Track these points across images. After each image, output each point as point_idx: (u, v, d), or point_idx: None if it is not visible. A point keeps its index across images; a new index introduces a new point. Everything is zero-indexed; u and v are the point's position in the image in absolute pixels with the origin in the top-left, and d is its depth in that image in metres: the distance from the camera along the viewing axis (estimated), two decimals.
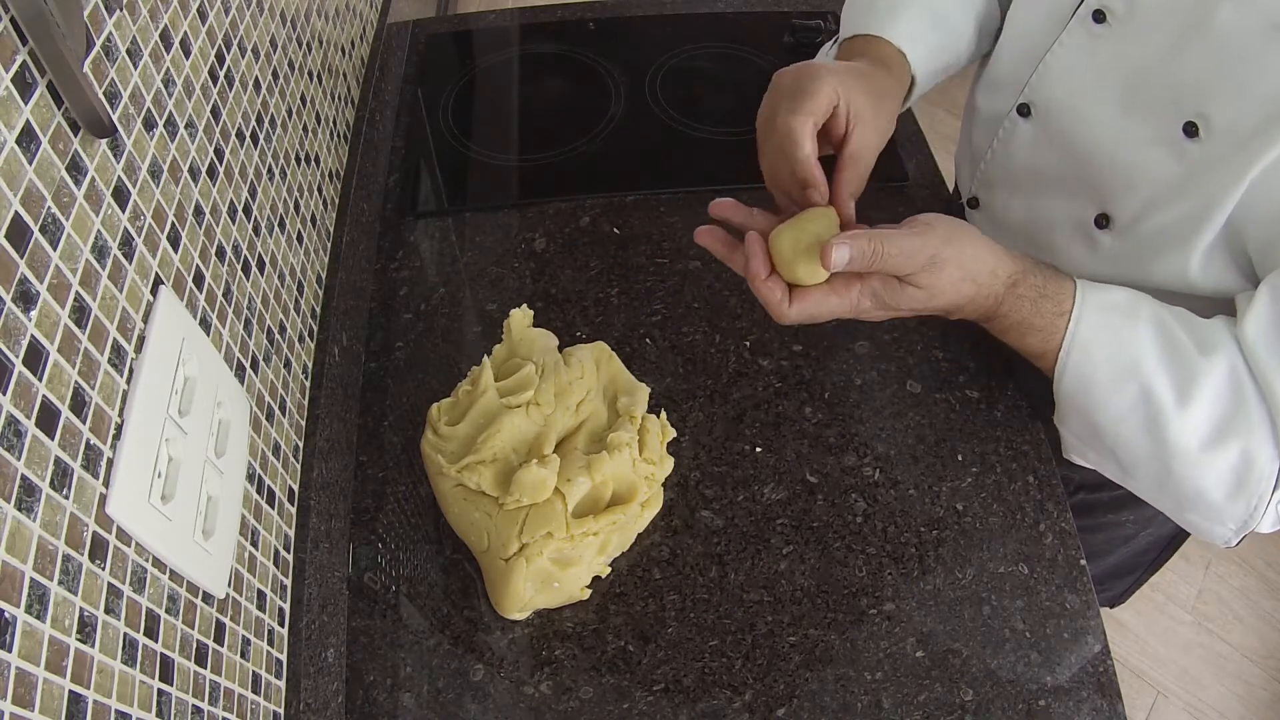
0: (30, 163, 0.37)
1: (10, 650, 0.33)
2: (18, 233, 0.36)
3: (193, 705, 0.46)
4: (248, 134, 0.63)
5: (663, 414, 0.73)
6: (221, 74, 0.59)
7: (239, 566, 0.54)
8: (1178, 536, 0.97)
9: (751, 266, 0.58)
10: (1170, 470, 0.60)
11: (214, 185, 0.56)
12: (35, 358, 0.36)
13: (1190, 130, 0.58)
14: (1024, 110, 0.71)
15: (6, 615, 0.33)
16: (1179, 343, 0.59)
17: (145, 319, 0.46)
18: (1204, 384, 0.57)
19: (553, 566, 0.64)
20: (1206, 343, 0.59)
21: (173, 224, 0.50)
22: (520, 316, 0.75)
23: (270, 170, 0.67)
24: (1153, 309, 0.61)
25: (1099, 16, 0.63)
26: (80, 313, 0.40)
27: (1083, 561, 0.70)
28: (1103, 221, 0.66)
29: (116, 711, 0.39)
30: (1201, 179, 0.58)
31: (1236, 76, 0.56)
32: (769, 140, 0.62)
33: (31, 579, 0.34)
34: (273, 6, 0.71)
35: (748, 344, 0.82)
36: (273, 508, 0.61)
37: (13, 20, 0.36)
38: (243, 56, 0.63)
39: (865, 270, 0.57)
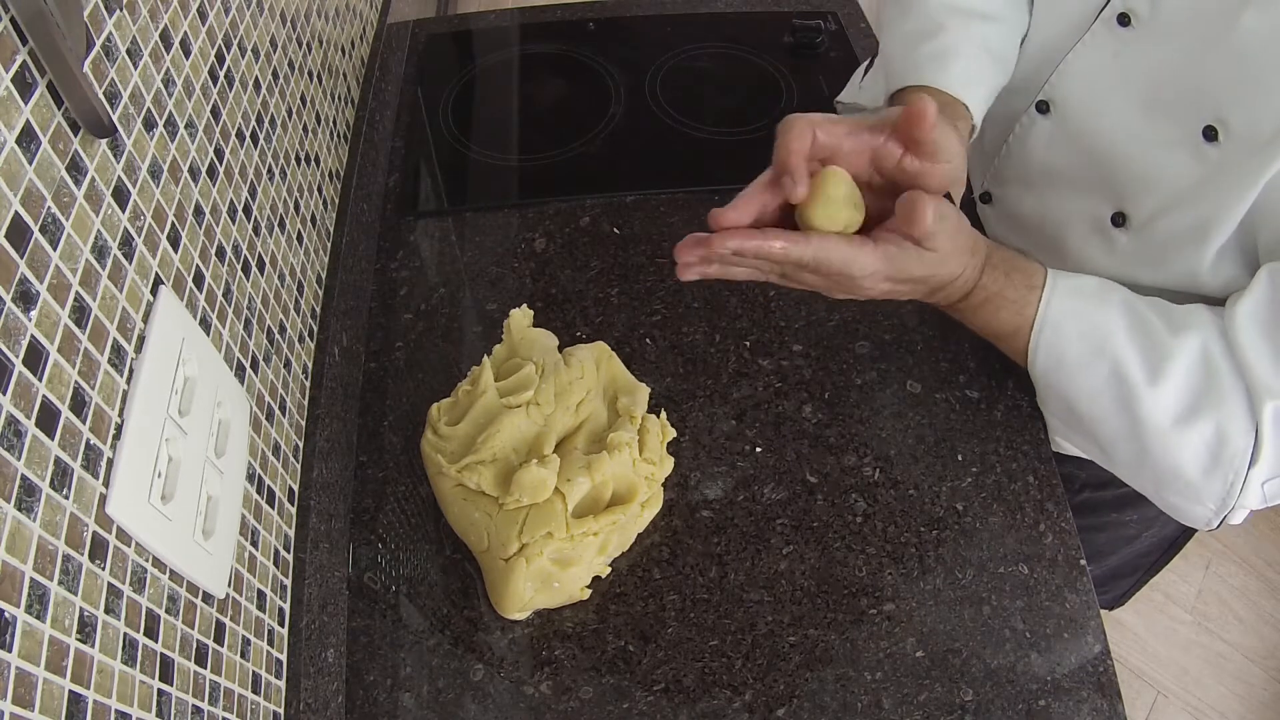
0: (30, 163, 0.37)
1: (10, 650, 0.33)
2: (18, 233, 0.36)
3: (193, 705, 0.46)
4: (248, 134, 0.63)
5: (663, 414, 0.73)
6: (221, 74, 0.59)
7: (239, 566, 0.54)
8: (1179, 539, 0.97)
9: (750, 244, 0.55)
10: (1146, 448, 0.61)
11: (214, 185, 0.56)
12: (35, 358, 0.36)
13: (1210, 134, 0.58)
14: (1042, 107, 0.71)
15: (6, 615, 0.33)
16: (1149, 323, 0.60)
17: (145, 319, 0.46)
18: (1174, 361, 0.58)
19: (553, 566, 0.64)
20: (1177, 324, 0.60)
21: (173, 224, 0.50)
22: (520, 316, 0.75)
23: (270, 170, 0.67)
24: (1123, 294, 0.62)
25: (1124, 19, 0.63)
26: (80, 313, 0.40)
27: (1083, 561, 0.70)
28: (1119, 220, 0.66)
29: (116, 711, 0.39)
30: (1218, 183, 0.59)
31: (1258, 82, 0.56)
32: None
33: (31, 579, 0.34)
34: (273, 6, 0.71)
35: (748, 344, 0.82)
36: (273, 508, 0.61)
37: (13, 20, 0.36)
38: (243, 56, 0.63)
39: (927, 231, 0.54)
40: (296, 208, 0.73)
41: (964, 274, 0.60)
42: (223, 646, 0.51)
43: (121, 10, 0.46)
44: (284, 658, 0.60)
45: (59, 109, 0.39)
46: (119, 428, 0.42)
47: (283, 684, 0.59)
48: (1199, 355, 0.58)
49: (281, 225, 0.69)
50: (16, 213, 0.36)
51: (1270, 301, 0.57)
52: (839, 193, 0.55)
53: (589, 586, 0.67)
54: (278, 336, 0.66)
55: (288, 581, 0.62)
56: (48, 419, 0.37)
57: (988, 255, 0.61)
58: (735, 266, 0.57)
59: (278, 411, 0.64)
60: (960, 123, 0.67)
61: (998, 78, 0.72)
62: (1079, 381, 0.62)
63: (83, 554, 0.38)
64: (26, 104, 0.37)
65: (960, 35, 0.70)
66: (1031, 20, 0.72)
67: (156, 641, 0.43)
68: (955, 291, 0.61)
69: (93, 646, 0.38)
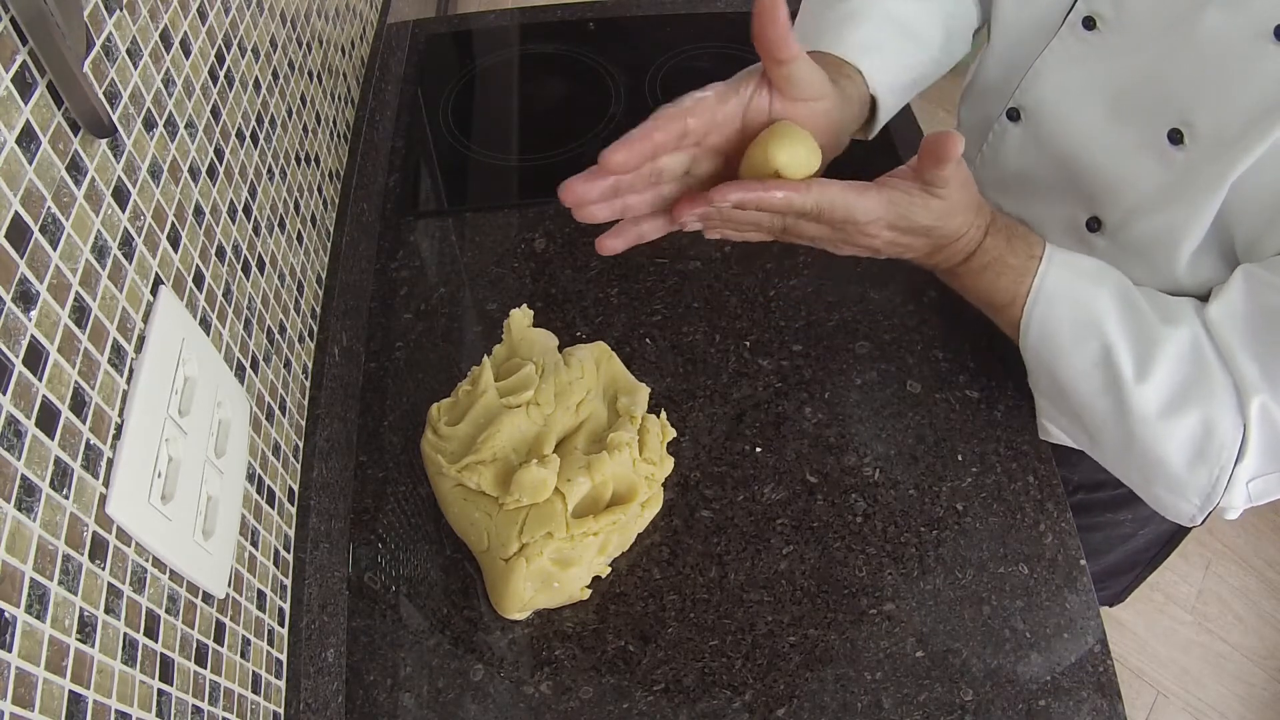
0: (30, 163, 0.37)
1: (10, 650, 0.33)
2: (18, 233, 0.36)
3: (193, 705, 0.46)
4: (248, 134, 0.63)
5: (663, 414, 0.73)
6: (221, 74, 0.59)
7: (239, 566, 0.54)
8: (1175, 535, 0.97)
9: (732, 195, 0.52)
10: (1132, 435, 0.60)
11: (214, 185, 0.56)
12: (35, 358, 0.36)
13: (1175, 137, 0.59)
14: (1013, 114, 0.71)
15: (6, 615, 0.33)
16: (1141, 311, 0.60)
17: (145, 319, 0.46)
18: (1164, 351, 0.58)
19: (553, 566, 0.64)
20: (1169, 314, 0.60)
21: (173, 224, 0.50)
22: (520, 316, 0.75)
23: (270, 170, 0.67)
24: (1118, 278, 0.62)
25: (1089, 23, 0.63)
26: (80, 313, 0.40)
27: (1083, 561, 0.70)
28: (1094, 225, 0.67)
29: (116, 711, 0.39)
30: (1185, 186, 0.59)
31: (1221, 84, 0.56)
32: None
33: (31, 579, 0.34)
34: (273, 6, 0.71)
35: (748, 344, 0.82)
36: (273, 508, 0.61)
37: (13, 20, 0.36)
38: (243, 56, 0.63)
39: (940, 168, 0.53)
40: (296, 208, 0.73)
41: (968, 233, 0.59)
42: (223, 646, 0.51)
43: (121, 10, 0.46)
44: (284, 658, 0.60)
45: (59, 109, 0.39)
46: (119, 428, 0.42)
47: (283, 684, 0.59)
48: (1189, 345, 0.58)
49: (281, 225, 0.69)
50: (16, 213, 0.36)
51: (1244, 303, 0.57)
52: (795, 137, 0.52)
53: (589, 586, 0.67)
54: (278, 336, 0.66)
55: (288, 581, 0.62)
56: (48, 419, 0.37)
57: (992, 218, 0.61)
58: (736, 225, 0.55)
59: (278, 411, 0.64)
60: (845, 81, 0.62)
61: (911, 53, 0.69)
62: (1069, 360, 0.62)
63: (83, 554, 0.38)
64: (26, 104, 0.37)
65: (867, 3, 0.67)
66: (999, 26, 0.72)
67: (156, 641, 0.43)
68: (958, 252, 0.61)
69: (93, 646, 0.38)
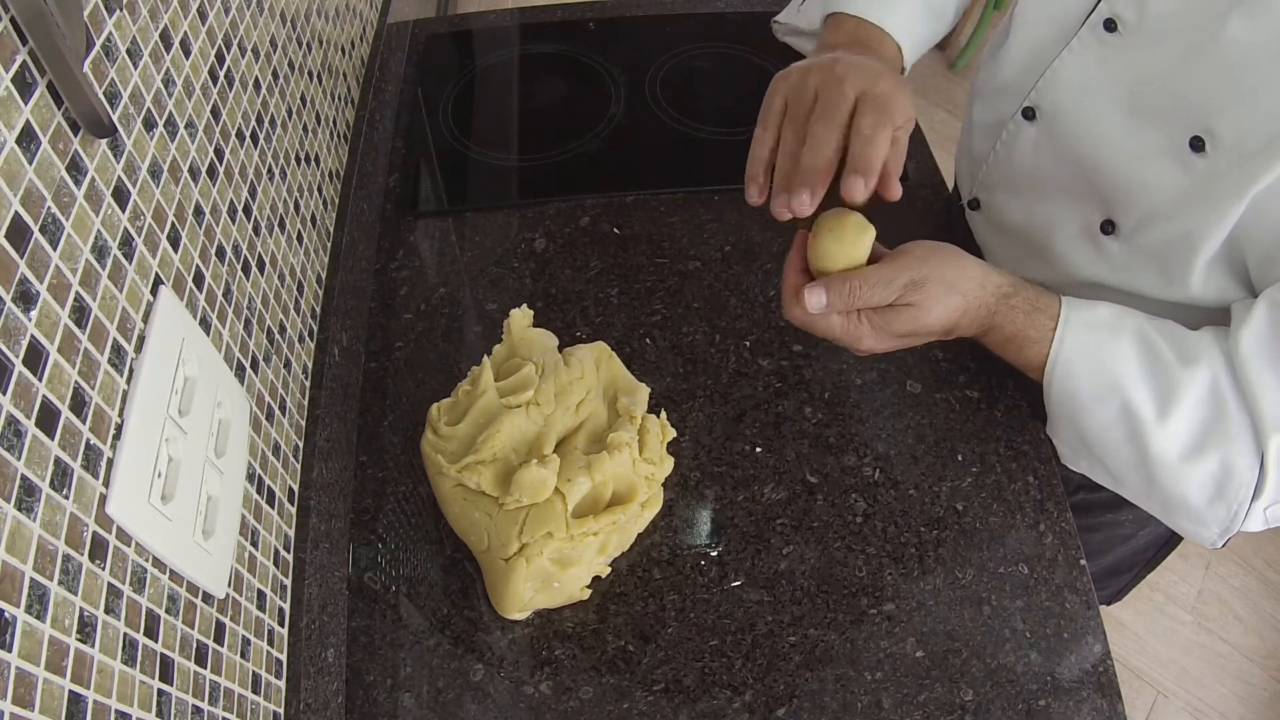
0: (30, 163, 0.37)
1: (10, 650, 0.33)
2: (18, 233, 0.36)
3: (193, 705, 0.46)
4: (248, 134, 0.63)
5: (663, 414, 0.73)
6: (221, 74, 0.59)
7: (239, 566, 0.54)
8: (1175, 536, 0.97)
9: (792, 254, 0.63)
10: (1153, 479, 0.62)
11: (214, 185, 0.56)
12: (35, 358, 0.36)
13: (1197, 145, 0.58)
14: (1029, 114, 0.71)
15: (6, 615, 0.33)
16: (1161, 356, 0.60)
17: (145, 319, 0.46)
18: (1184, 397, 0.59)
19: (553, 566, 0.64)
20: (1188, 355, 0.60)
21: (173, 224, 0.50)
22: (520, 316, 0.75)
23: (270, 170, 0.67)
24: (1136, 323, 0.62)
25: (1110, 25, 0.63)
26: (80, 313, 0.40)
27: (1083, 561, 0.70)
28: (1108, 227, 0.66)
29: (116, 711, 0.39)
30: (1205, 193, 0.59)
31: (1244, 92, 0.56)
32: (829, 122, 0.58)
33: (31, 579, 0.34)
34: (273, 6, 0.71)
35: (748, 344, 0.82)
36: (273, 508, 0.61)
37: (13, 20, 0.36)
38: (243, 56, 0.63)
39: (848, 308, 0.60)
40: (296, 208, 0.73)
41: (965, 315, 0.62)
42: (223, 646, 0.51)
43: (121, 10, 0.46)
44: (284, 658, 0.60)
45: (59, 109, 0.39)
46: (119, 428, 0.42)
47: (283, 684, 0.59)
48: (1208, 389, 0.59)
49: (281, 225, 0.69)
50: (16, 213, 0.36)
51: (1271, 333, 0.57)
52: (852, 234, 0.59)
53: (589, 586, 0.67)
54: (278, 336, 0.66)
55: (288, 581, 0.62)
56: (48, 419, 0.37)
57: (1004, 295, 0.62)
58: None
59: (278, 411, 0.64)
60: (893, 64, 0.70)
61: (930, 28, 0.74)
62: (1091, 415, 0.63)
63: (83, 554, 0.38)
64: (26, 104, 0.37)
65: None
66: (1019, 25, 0.72)
67: (156, 641, 0.43)
68: (970, 328, 0.63)
69: (93, 646, 0.38)
